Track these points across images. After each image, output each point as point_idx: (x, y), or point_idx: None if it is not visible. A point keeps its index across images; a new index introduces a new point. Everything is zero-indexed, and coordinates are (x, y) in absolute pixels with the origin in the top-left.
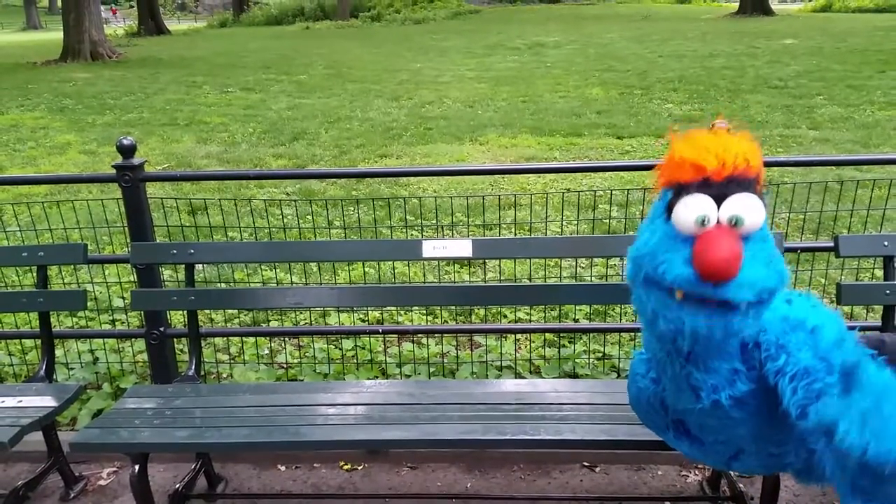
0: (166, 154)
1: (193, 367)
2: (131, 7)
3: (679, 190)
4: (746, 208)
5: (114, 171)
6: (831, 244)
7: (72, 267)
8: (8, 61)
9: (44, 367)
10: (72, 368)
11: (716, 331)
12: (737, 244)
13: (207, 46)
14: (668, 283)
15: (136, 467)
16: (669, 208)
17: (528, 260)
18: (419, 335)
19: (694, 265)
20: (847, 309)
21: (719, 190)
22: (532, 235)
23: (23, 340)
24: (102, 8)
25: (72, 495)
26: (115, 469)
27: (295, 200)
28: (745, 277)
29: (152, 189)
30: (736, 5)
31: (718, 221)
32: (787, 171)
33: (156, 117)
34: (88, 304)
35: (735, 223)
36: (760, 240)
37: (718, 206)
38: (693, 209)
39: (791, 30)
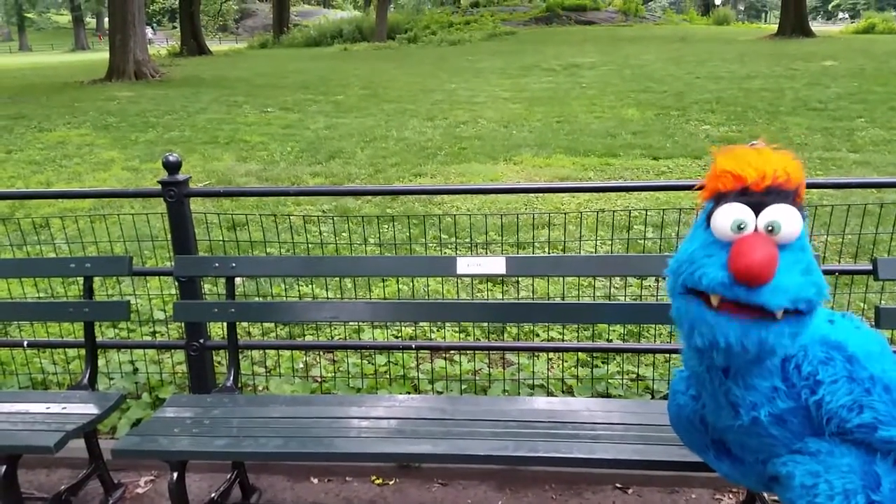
0: (207, 171)
1: (232, 379)
2: (174, 28)
3: (719, 199)
4: (784, 216)
5: (159, 186)
6: (870, 267)
7: (114, 279)
8: (57, 80)
9: (87, 376)
10: (112, 378)
11: (750, 344)
12: (773, 248)
13: (248, 67)
14: (703, 286)
15: (175, 474)
16: (709, 218)
17: (561, 279)
18: (451, 352)
19: (729, 268)
20: (887, 333)
21: (758, 199)
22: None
23: (66, 350)
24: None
25: (111, 501)
26: (152, 478)
27: (331, 217)
28: (781, 283)
29: (193, 205)
30: (775, 27)
31: (756, 229)
32: (826, 193)
33: (197, 136)
34: (130, 315)
35: (772, 230)
36: (799, 249)
37: (757, 215)
38: (730, 215)
39: (831, 51)
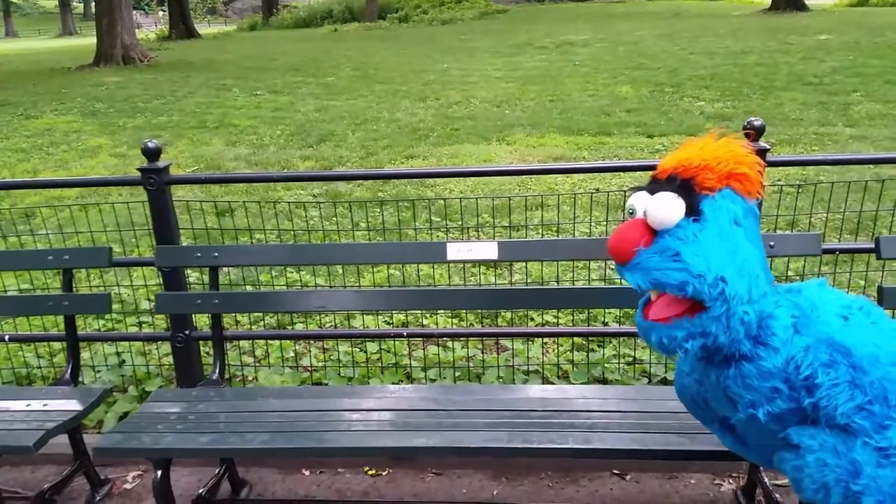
0: (195, 157)
1: (217, 371)
2: (163, 11)
3: None
4: (651, 204)
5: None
6: (871, 245)
7: (100, 269)
8: (44, 67)
9: (69, 371)
10: (98, 371)
11: (652, 342)
12: (631, 233)
13: (237, 49)
14: None
15: (159, 472)
16: None
17: (555, 261)
18: (444, 338)
19: None
20: (889, 313)
21: (652, 187)
22: (560, 237)
23: (51, 343)
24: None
25: (97, 499)
26: (140, 473)
27: (321, 203)
28: (640, 264)
29: (181, 192)
30: (768, 1)
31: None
32: (822, 169)
33: (185, 120)
34: (116, 306)
35: (644, 215)
36: (676, 238)
37: None
38: (628, 201)
39: (826, 25)
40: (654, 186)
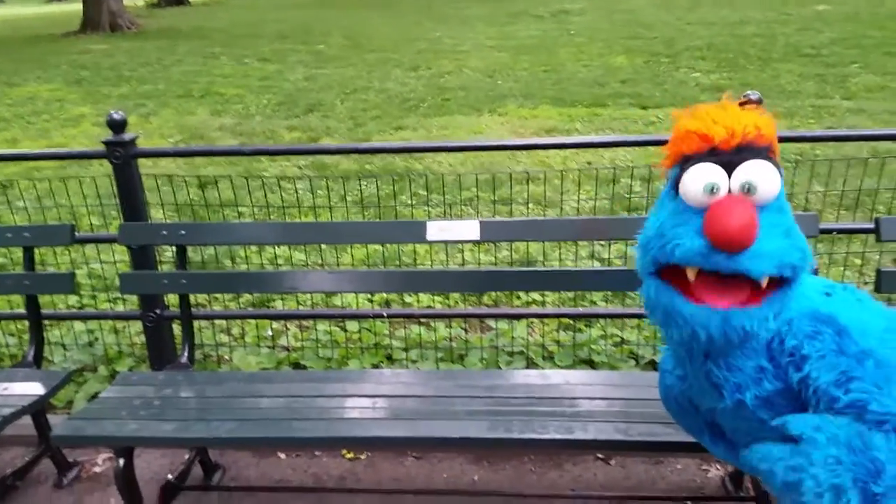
0: (179, 126)
1: (186, 354)
2: None
3: (685, 163)
4: (760, 175)
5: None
6: (870, 225)
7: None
8: (29, 33)
9: (31, 352)
10: (69, 350)
11: (733, 334)
12: (751, 210)
13: (227, 17)
14: (677, 259)
15: (122, 461)
16: (677, 185)
17: (540, 241)
18: (427, 318)
19: (705, 234)
20: (886, 298)
21: (729, 158)
22: (547, 214)
23: (23, 320)
24: None
25: (65, 482)
26: (110, 456)
27: (305, 177)
28: (762, 248)
29: (164, 163)
30: None
31: (730, 191)
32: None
33: (171, 89)
34: (92, 282)
35: (748, 190)
36: (777, 210)
37: (729, 176)
38: (701, 177)
39: None
40: (728, 158)
